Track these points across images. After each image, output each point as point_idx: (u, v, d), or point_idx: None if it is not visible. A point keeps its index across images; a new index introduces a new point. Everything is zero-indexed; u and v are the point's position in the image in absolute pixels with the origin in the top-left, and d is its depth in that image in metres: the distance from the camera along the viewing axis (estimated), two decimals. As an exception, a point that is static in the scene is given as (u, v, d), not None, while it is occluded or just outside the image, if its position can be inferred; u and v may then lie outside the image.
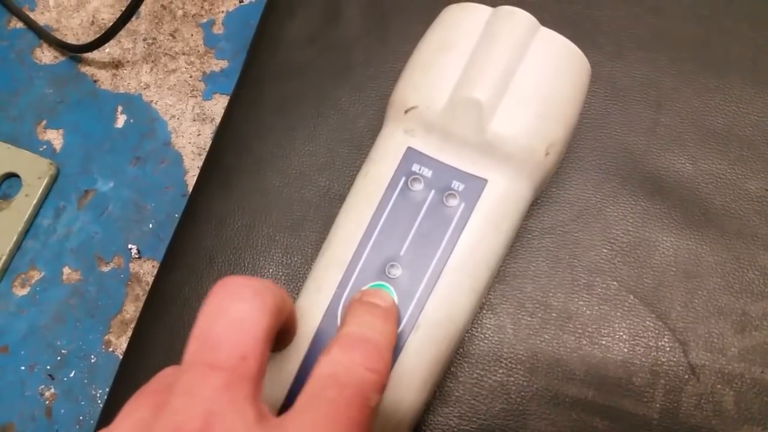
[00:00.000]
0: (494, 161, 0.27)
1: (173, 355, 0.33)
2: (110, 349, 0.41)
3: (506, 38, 0.27)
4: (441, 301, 0.26)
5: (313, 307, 0.27)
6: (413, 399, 0.26)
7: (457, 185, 0.27)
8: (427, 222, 0.27)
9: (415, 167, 0.28)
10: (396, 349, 0.26)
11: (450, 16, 0.30)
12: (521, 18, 0.28)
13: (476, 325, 0.32)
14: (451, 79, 0.27)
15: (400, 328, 0.26)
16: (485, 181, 0.27)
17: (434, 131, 0.27)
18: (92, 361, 0.41)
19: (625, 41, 0.37)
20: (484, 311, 0.32)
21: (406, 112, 0.28)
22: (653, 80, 0.36)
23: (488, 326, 0.32)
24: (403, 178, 0.28)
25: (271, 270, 0.34)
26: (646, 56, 0.36)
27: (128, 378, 0.35)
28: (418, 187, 0.27)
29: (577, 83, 0.29)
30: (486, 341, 0.32)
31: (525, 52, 0.28)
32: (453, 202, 0.27)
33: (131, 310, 0.41)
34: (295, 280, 0.34)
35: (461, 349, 0.32)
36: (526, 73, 0.27)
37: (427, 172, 0.27)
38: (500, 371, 0.31)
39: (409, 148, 0.28)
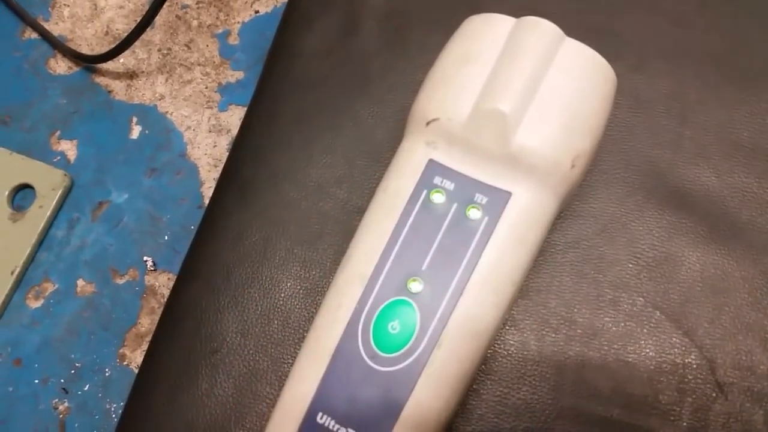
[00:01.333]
0: (518, 174, 0.27)
1: (189, 370, 0.33)
2: (125, 363, 0.41)
3: (531, 49, 0.27)
4: (464, 317, 0.26)
5: (333, 324, 0.27)
6: (436, 417, 0.26)
7: (480, 198, 0.27)
8: (450, 236, 0.27)
9: (437, 180, 0.27)
10: (418, 367, 0.25)
11: (472, 27, 0.29)
12: (546, 28, 0.28)
13: (499, 342, 0.31)
14: (474, 90, 0.27)
15: (422, 345, 0.26)
16: (509, 194, 0.27)
17: (457, 143, 0.27)
18: (107, 374, 0.41)
19: (648, 53, 0.36)
20: (508, 327, 0.32)
21: (427, 124, 0.28)
22: (677, 93, 0.35)
23: (512, 343, 0.31)
24: (425, 191, 0.27)
25: (289, 284, 0.34)
26: (669, 68, 0.36)
27: (143, 393, 0.34)
28: (440, 200, 0.27)
29: (603, 95, 0.28)
30: (510, 358, 0.31)
31: (550, 63, 0.27)
32: (476, 215, 0.27)
33: (146, 323, 0.41)
34: (313, 295, 0.33)
35: (484, 366, 0.31)
36: (551, 85, 0.27)
37: (450, 185, 0.27)
38: (524, 389, 0.31)
39: (430, 161, 0.28)
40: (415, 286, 0.26)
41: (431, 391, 0.25)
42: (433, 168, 0.28)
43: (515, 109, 0.26)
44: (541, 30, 0.28)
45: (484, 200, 0.27)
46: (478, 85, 0.27)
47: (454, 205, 0.27)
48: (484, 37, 0.29)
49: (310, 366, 0.27)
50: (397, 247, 0.27)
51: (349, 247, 0.28)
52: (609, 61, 0.28)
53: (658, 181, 0.34)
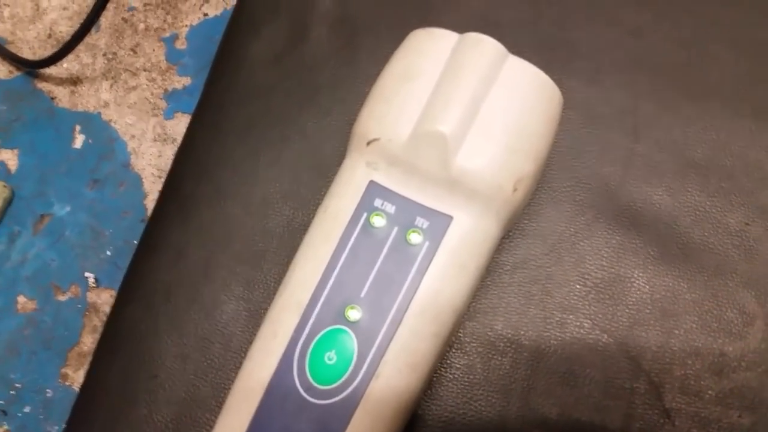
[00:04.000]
0: (460, 197, 0.26)
1: (129, 395, 0.32)
2: (67, 383, 0.40)
3: (472, 68, 0.27)
4: (402, 347, 0.26)
5: (267, 355, 0.26)
6: (373, 452, 0.25)
7: (421, 222, 0.26)
8: (390, 261, 0.26)
9: (377, 202, 0.27)
10: (355, 399, 0.25)
11: (415, 42, 0.29)
12: (488, 46, 0.27)
13: (445, 366, 0.31)
14: (415, 110, 0.27)
15: (359, 377, 0.25)
16: (450, 218, 0.26)
17: (397, 165, 0.27)
18: (48, 395, 0.40)
19: (602, 65, 0.36)
20: (454, 350, 0.31)
21: (368, 144, 0.27)
22: (631, 107, 0.35)
23: (457, 366, 0.31)
24: (365, 214, 0.27)
25: (231, 306, 0.33)
26: (624, 81, 0.36)
27: (83, 418, 0.34)
28: (381, 223, 0.27)
29: (547, 115, 0.28)
30: (455, 382, 0.31)
31: (492, 82, 0.27)
32: (417, 239, 0.26)
33: (89, 341, 0.40)
34: (256, 317, 0.33)
35: (429, 391, 0.31)
36: (493, 105, 0.27)
37: (390, 208, 0.27)
38: (470, 414, 0.31)
39: (371, 182, 0.27)
40: (354, 314, 0.26)
41: (368, 425, 0.25)
42: (373, 190, 0.27)
43: (456, 131, 0.26)
44: (484, 47, 0.27)
45: (425, 224, 0.26)
46: (418, 104, 0.27)
47: (395, 229, 0.27)
48: (426, 53, 0.28)
49: (243, 399, 0.26)
50: (335, 273, 0.27)
51: (287, 272, 0.28)
52: (561, 74, 0.28)
53: (608, 200, 0.33)
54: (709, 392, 0.30)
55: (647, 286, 0.32)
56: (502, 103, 0.27)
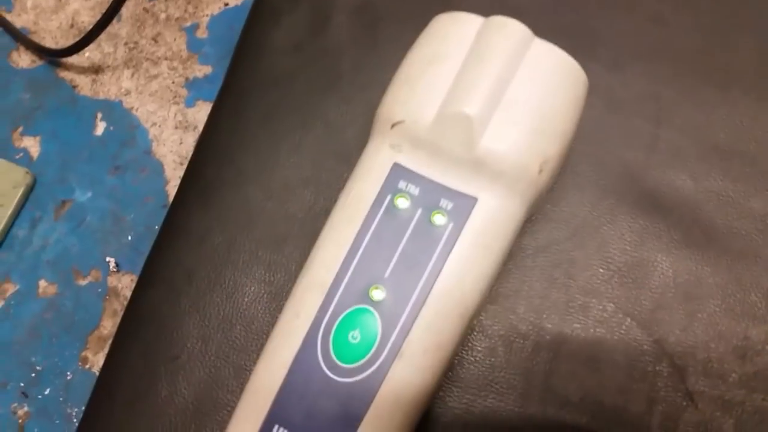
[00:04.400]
0: (485, 179, 0.26)
1: (150, 376, 0.32)
2: (87, 366, 0.40)
3: (498, 50, 0.27)
4: (427, 327, 0.26)
5: (291, 334, 0.26)
6: (396, 430, 0.25)
7: (445, 204, 0.26)
8: (414, 242, 0.26)
9: (402, 184, 0.27)
10: (378, 378, 0.25)
11: (439, 26, 0.29)
12: (514, 29, 0.27)
13: (467, 348, 0.31)
14: (440, 92, 0.27)
15: (383, 356, 0.25)
16: (475, 199, 0.26)
17: (422, 147, 0.27)
18: (68, 378, 0.40)
19: (624, 52, 0.36)
20: (476, 333, 0.31)
21: (392, 126, 0.27)
22: (653, 93, 0.35)
23: (479, 349, 0.31)
24: (389, 196, 0.27)
25: (253, 288, 0.33)
26: (646, 68, 0.36)
27: (103, 399, 0.34)
28: (405, 205, 0.27)
29: (573, 97, 0.28)
30: (477, 365, 0.31)
31: (518, 65, 0.27)
32: (441, 221, 0.26)
33: (109, 325, 0.41)
34: (278, 299, 0.33)
35: (450, 374, 0.31)
36: (519, 87, 0.27)
37: (414, 190, 0.27)
38: (491, 396, 0.31)
39: (395, 164, 0.27)
40: (377, 294, 0.26)
41: (391, 404, 0.25)
42: (397, 172, 0.27)
43: (481, 113, 0.26)
44: (509, 30, 0.27)
45: (450, 206, 0.26)
46: (443, 87, 0.27)
47: (419, 211, 0.27)
48: (451, 37, 0.28)
49: (267, 377, 0.26)
50: (359, 254, 0.26)
51: (310, 253, 0.28)
52: (583, 60, 0.28)
53: (631, 185, 0.33)
54: (733, 375, 0.30)
55: (670, 270, 0.32)
56: (527, 85, 0.27)
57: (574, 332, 0.31)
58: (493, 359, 0.31)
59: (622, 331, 0.31)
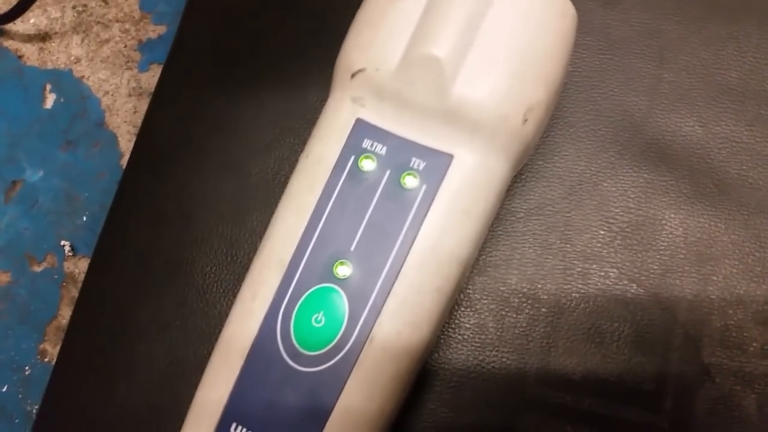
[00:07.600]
0: (460, 132, 0.24)
1: (106, 368, 0.31)
2: (46, 360, 0.38)
3: (470, -19, 0.24)
4: (400, 306, 0.23)
5: (247, 319, 0.24)
6: (368, 424, 0.23)
7: (417, 163, 0.24)
8: (382, 209, 0.24)
9: (366, 143, 0.24)
10: (346, 366, 0.23)
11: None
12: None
13: (452, 326, 0.29)
14: (404, 34, 0.24)
15: (351, 341, 0.23)
16: (451, 156, 0.24)
17: (387, 99, 0.24)
18: (26, 373, 0.38)
19: (620, -16, 0.33)
20: (462, 309, 0.29)
21: (352, 76, 0.25)
22: (655, 29, 0.33)
23: (467, 326, 0.29)
24: (352, 157, 0.24)
25: (213, 269, 0.31)
26: (646, 1, 0.33)
27: (60, 391, 0.32)
28: (371, 167, 0.24)
29: (559, 34, 0.25)
30: (465, 343, 0.29)
31: (493, -2, 0.24)
32: (413, 183, 0.24)
33: (67, 314, 0.38)
34: (241, 279, 0.30)
35: (435, 354, 0.29)
36: (495, 23, 0.24)
37: (381, 149, 0.24)
38: (483, 377, 0.28)
39: (358, 120, 0.25)
40: (343, 271, 0.24)
41: (362, 394, 0.23)
42: (361, 129, 0.25)
43: (452, 54, 0.23)
44: (482, -43, 0.24)
45: (422, 165, 0.24)
46: (408, 27, 0.24)
47: (387, 173, 0.24)
48: (415, -30, 0.25)
49: (222, 368, 0.24)
50: (320, 226, 0.24)
51: (267, 227, 0.25)
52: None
53: (633, 134, 0.31)
54: (754, 345, 0.28)
55: (680, 229, 0.30)
56: (505, 20, 0.24)
57: (573, 302, 0.29)
58: (483, 337, 0.29)
59: (628, 299, 0.29)
